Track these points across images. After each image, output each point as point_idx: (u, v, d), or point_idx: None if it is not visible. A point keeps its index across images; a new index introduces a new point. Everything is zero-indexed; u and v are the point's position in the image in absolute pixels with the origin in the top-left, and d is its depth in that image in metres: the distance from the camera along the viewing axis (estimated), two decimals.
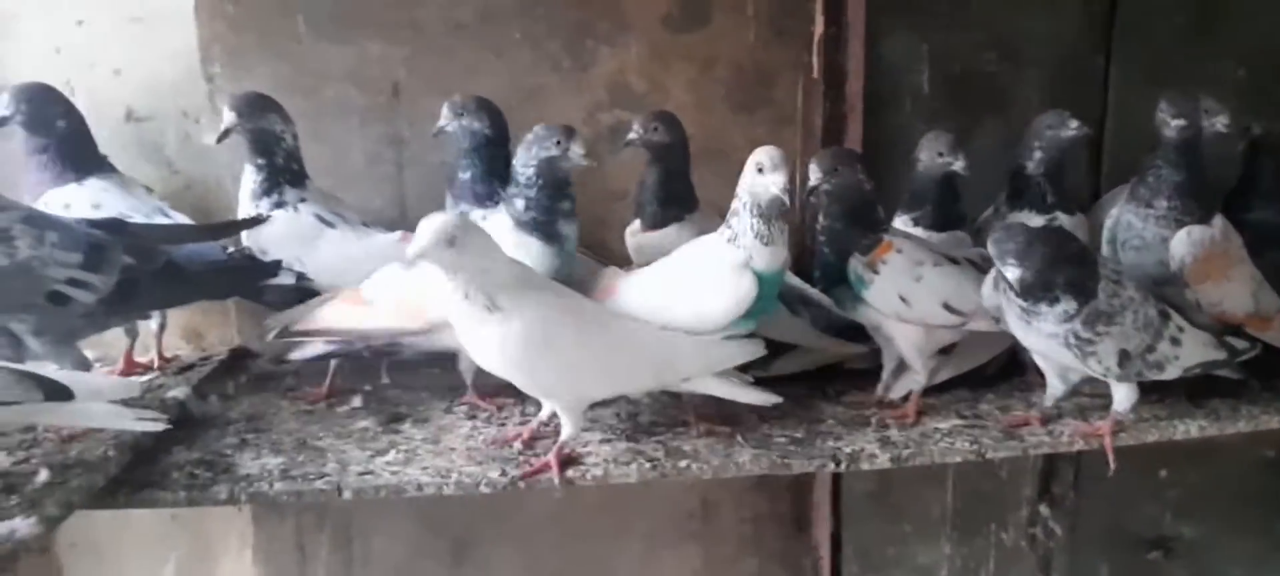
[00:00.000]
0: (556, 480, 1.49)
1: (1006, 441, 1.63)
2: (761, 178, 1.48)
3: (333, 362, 1.78)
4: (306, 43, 1.90)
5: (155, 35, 1.87)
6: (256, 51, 1.89)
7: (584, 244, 1.87)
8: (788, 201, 1.48)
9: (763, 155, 1.48)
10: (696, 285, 1.54)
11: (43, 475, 1.31)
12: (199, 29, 1.87)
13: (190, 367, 1.86)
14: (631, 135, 1.78)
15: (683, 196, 1.84)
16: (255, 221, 1.71)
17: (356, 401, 1.76)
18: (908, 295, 1.64)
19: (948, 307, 1.65)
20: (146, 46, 1.88)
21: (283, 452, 1.54)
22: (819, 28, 2.00)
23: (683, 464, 1.53)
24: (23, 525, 1.17)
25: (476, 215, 1.82)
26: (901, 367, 1.76)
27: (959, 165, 1.76)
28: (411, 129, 1.97)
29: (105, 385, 1.46)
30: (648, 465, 1.53)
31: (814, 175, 1.64)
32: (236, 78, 1.87)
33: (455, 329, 1.46)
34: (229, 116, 1.70)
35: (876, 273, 1.63)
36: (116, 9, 1.86)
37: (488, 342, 1.44)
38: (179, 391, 1.70)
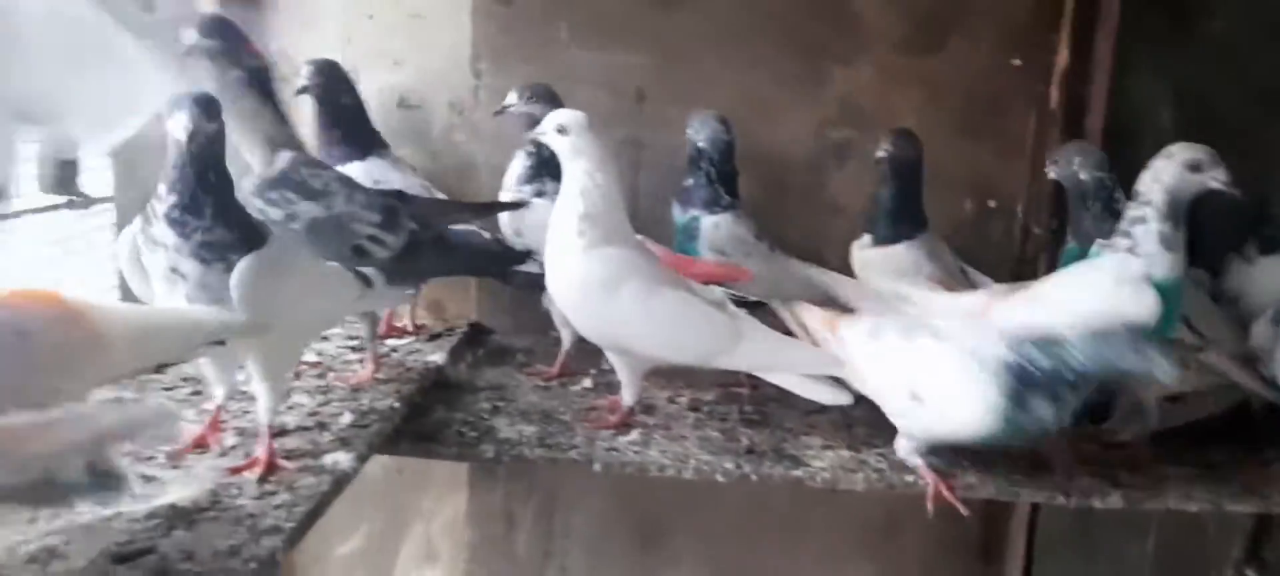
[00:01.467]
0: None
1: (1246, 496, 1.60)
2: (1195, 176, 1.45)
3: (564, 345, 1.91)
4: (565, 47, 2.05)
5: (433, 31, 2.06)
6: (520, 52, 2.05)
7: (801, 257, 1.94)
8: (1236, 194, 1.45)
9: (1195, 153, 1.45)
10: (1089, 303, 1.48)
11: (346, 417, 1.49)
12: (473, 28, 2.05)
13: (438, 336, 2.02)
14: (880, 153, 1.84)
15: (915, 215, 1.88)
16: (517, 205, 1.86)
17: (587, 382, 1.89)
18: None
19: (1187, 322, 1.61)
20: (424, 41, 2.07)
21: (533, 422, 1.68)
22: (1063, 59, 2.00)
23: (909, 477, 1.58)
24: (344, 458, 1.34)
25: (707, 221, 1.92)
26: (1132, 408, 1.74)
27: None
28: (650, 134, 2.08)
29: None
30: (874, 475, 1.58)
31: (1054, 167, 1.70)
32: (500, 74, 2.04)
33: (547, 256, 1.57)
34: (512, 97, 1.86)
35: None
36: (401, 5, 2.07)
37: (563, 275, 1.55)
38: (436, 356, 1.88)
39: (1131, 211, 1.50)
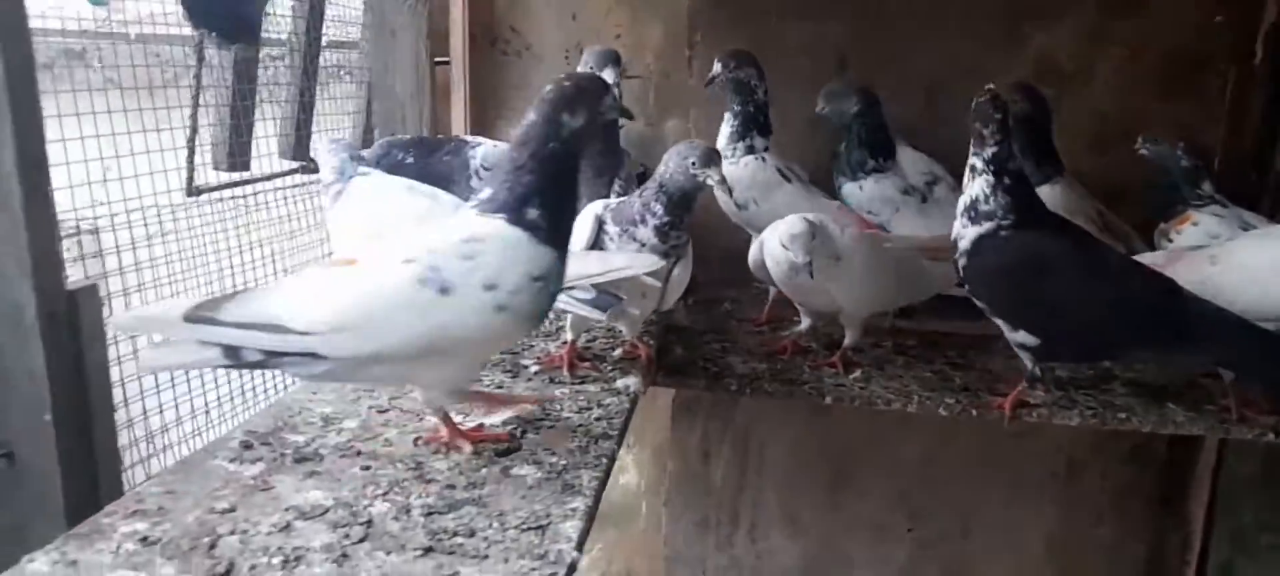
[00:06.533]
0: None
1: None
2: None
3: (771, 293, 2.09)
4: (773, 19, 2.20)
5: (652, 7, 2.25)
6: (730, 25, 2.22)
7: None
8: None
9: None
10: None
11: (617, 352, 1.70)
12: (689, 2, 2.22)
13: None
14: (716, 70, 2.01)
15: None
16: None
17: (797, 327, 2.05)
18: None
19: None
20: (643, 16, 2.26)
21: (761, 360, 1.87)
22: (1270, 15, 2.03)
23: (1121, 415, 1.70)
24: (633, 382, 1.55)
25: (850, 187, 2.10)
26: None
27: None
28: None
29: None
30: (1089, 413, 1.70)
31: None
32: (713, 44, 2.19)
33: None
34: (717, 66, 2.02)
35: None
36: None
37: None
38: None
39: None
